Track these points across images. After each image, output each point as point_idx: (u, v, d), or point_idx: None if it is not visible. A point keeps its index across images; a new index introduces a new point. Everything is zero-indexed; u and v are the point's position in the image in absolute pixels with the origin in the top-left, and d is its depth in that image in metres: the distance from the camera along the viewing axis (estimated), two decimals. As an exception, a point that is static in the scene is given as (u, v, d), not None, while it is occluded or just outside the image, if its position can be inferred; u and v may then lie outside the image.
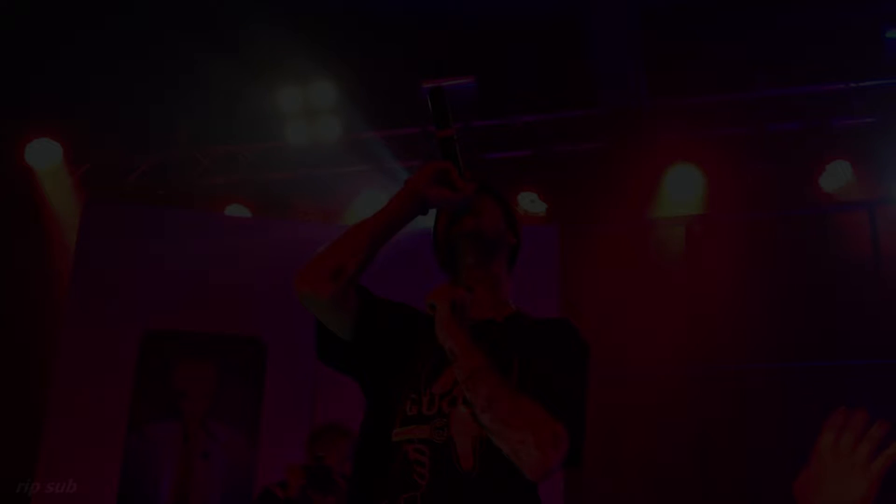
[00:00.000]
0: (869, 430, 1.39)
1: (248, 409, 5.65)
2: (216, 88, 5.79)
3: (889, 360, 5.35)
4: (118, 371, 5.57)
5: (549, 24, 5.62)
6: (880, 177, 5.69)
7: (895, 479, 1.52)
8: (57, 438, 5.44)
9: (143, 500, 5.41)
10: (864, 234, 5.69)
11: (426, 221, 2.04)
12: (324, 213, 6.49)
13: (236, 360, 5.76)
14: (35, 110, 6.23)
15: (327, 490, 3.61)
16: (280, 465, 3.92)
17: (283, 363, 5.69)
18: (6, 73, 5.79)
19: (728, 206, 5.97)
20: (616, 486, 5.60)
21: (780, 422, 5.43)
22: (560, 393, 1.71)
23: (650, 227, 6.12)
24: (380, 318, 1.90)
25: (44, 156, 6.37)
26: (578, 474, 5.24)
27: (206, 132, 6.39)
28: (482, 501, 1.69)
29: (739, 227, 6.04)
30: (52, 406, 5.54)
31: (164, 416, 5.61)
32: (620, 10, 5.06)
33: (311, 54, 5.62)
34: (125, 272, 5.75)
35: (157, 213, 6.18)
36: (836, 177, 5.72)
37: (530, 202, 6.18)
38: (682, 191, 5.98)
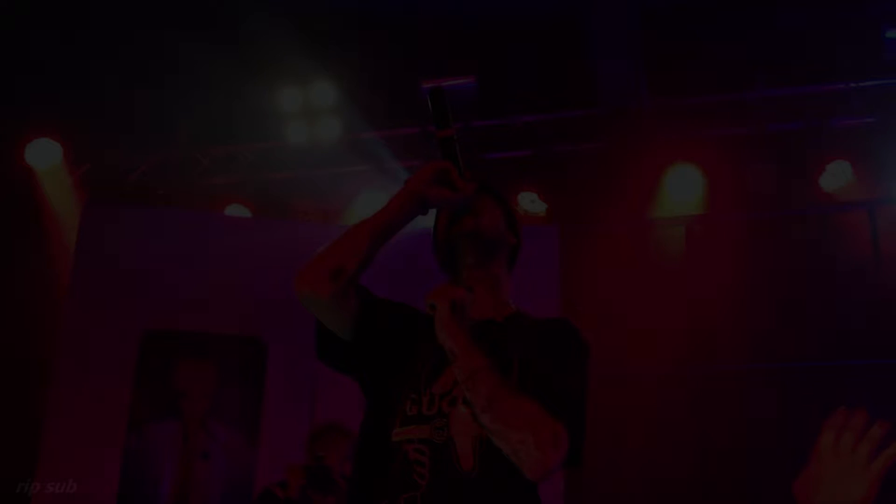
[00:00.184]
0: (869, 430, 1.40)
1: (248, 409, 5.65)
2: (216, 88, 5.79)
3: (889, 360, 5.35)
4: (118, 371, 5.57)
5: (549, 24, 5.62)
6: (880, 177, 5.69)
7: (895, 479, 1.52)
8: (57, 438, 5.44)
9: (143, 500, 5.41)
10: (864, 234, 5.69)
11: (426, 221, 2.04)
12: (324, 213, 6.49)
13: (236, 360, 5.77)
14: (35, 110, 6.23)
15: (327, 490, 3.61)
16: (280, 465, 3.92)
17: (283, 363, 5.69)
18: (6, 73, 5.79)
19: (728, 206, 5.97)
20: (616, 486, 5.60)
21: (780, 422, 5.43)
22: (560, 393, 1.71)
23: (650, 227, 6.12)
24: (380, 318, 1.90)
25: (44, 156, 6.37)
26: (578, 474, 5.24)
27: (206, 132, 6.39)
28: (482, 501, 1.69)
29: (739, 227, 6.04)
30: (52, 406, 5.54)
31: (164, 416, 5.61)
32: (620, 10, 5.06)
33: (311, 54, 5.62)
34: (125, 272, 5.75)
35: (157, 213, 6.19)
36: (836, 177, 5.72)
37: (530, 202, 6.18)
38: (682, 191, 5.98)
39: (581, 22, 5.24)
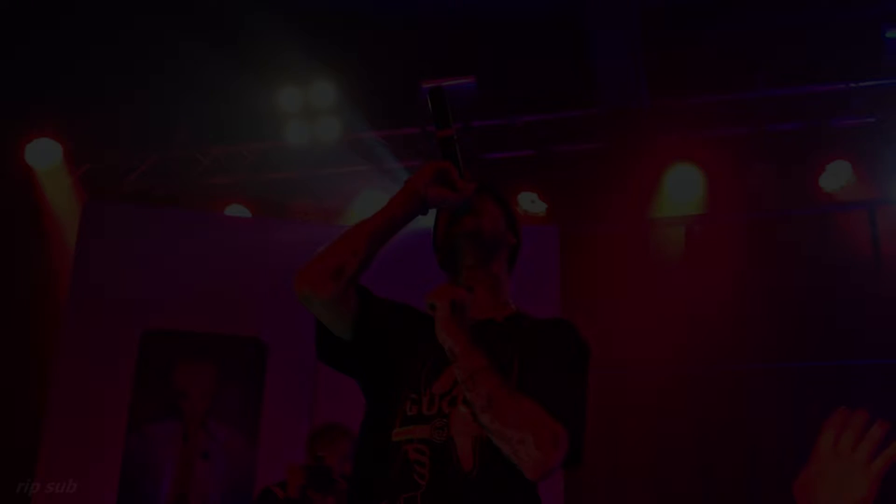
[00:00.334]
0: (869, 430, 1.40)
1: (248, 409, 5.65)
2: (216, 88, 5.79)
3: (889, 360, 5.35)
4: (118, 371, 5.57)
5: (549, 24, 5.62)
6: (880, 177, 5.69)
7: (895, 479, 1.52)
8: (57, 438, 5.44)
9: (143, 500, 5.41)
10: (864, 234, 5.69)
11: (426, 221, 2.04)
12: (324, 213, 6.49)
13: (236, 360, 5.76)
14: (35, 110, 6.22)
15: (327, 490, 3.61)
16: (280, 465, 3.92)
17: (283, 363, 5.69)
18: (6, 73, 5.79)
19: (728, 206, 5.96)
20: (616, 486, 5.60)
21: (780, 422, 5.43)
22: (560, 393, 1.71)
23: (650, 227, 6.12)
24: (380, 317, 1.90)
25: (44, 156, 6.36)
26: (578, 474, 5.24)
27: (206, 132, 6.39)
28: (482, 501, 1.69)
29: (739, 227, 6.04)
30: (52, 406, 5.54)
31: (164, 416, 5.61)
32: (620, 10, 5.06)
33: (311, 54, 5.62)
34: (125, 272, 5.75)
35: (157, 213, 6.18)
36: (836, 177, 5.72)
37: (530, 202, 6.17)
38: (682, 191, 5.98)
39: (581, 22, 5.24)
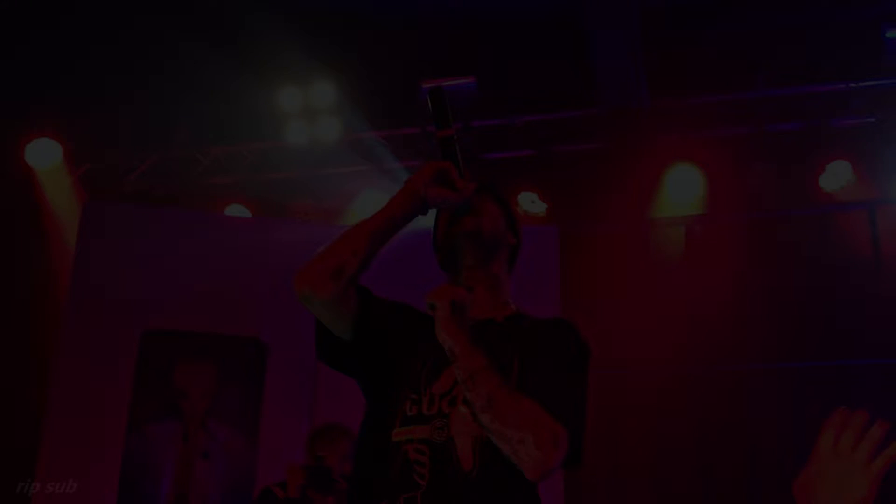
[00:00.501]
0: (869, 430, 1.40)
1: (248, 409, 5.65)
2: (216, 88, 5.78)
3: (889, 360, 5.35)
4: (118, 371, 5.57)
5: (549, 24, 5.62)
6: (880, 177, 5.69)
7: (895, 479, 1.52)
8: (57, 438, 5.44)
9: (143, 500, 5.41)
10: (864, 234, 5.69)
11: (426, 221, 2.05)
12: (324, 213, 6.49)
13: (236, 360, 5.76)
14: (35, 110, 6.22)
15: (327, 490, 3.61)
16: (280, 465, 3.92)
17: (283, 363, 5.69)
18: (6, 73, 5.79)
19: (728, 206, 5.96)
20: (616, 486, 5.60)
21: (780, 422, 5.43)
22: (560, 393, 1.71)
23: (650, 227, 6.12)
24: (380, 317, 1.90)
25: (44, 156, 6.36)
26: (578, 474, 5.24)
27: (206, 132, 6.38)
28: (482, 501, 1.69)
29: (739, 227, 6.03)
30: (52, 406, 5.54)
31: (164, 416, 5.61)
32: (620, 10, 5.06)
33: (311, 54, 5.61)
34: (125, 272, 5.75)
35: (158, 213, 6.18)
36: (836, 177, 5.72)
37: (530, 202, 6.17)
38: (682, 191, 5.98)
39: (581, 22, 5.24)
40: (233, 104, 6.06)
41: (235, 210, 6.52)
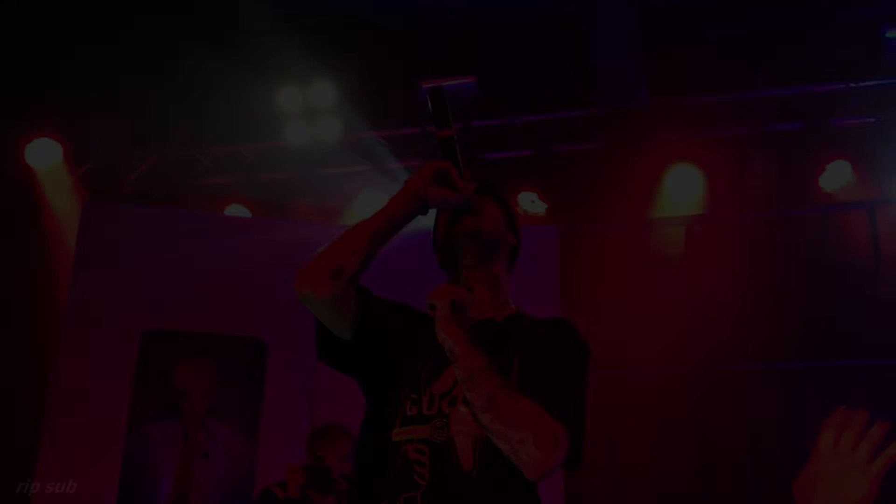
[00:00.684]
0: (869, 430, 1.40)
1: (248, 409, 5.65)
2: (216, 88, 5.79)
3: (889, 360, 5.35)
4: (118, 371, 5.57)
5: (549, 23, 5.62)
6: (880, 177, 5.69)
7: (895, 479, 1.52)
8: (57, 438, 5.44)
9: (143, 500, 5.41)
10: (864, 234, 5.69)
11: (426, 221, 2.05)
12: (324, 213, 6.49)
13: (236, 360, 5.76)
14: (35, 110, 6.22)
15: (327, 490, 3.61)
16: (280, 465, 3.92)
17: (283, 363, 5.69)
18: (6, 73, 5.79)
19: (728, 206, 5.97)
20: (616, 486, 5.60)
21: (780, 422, 5.43)
22: (560, 393, 1.71)
23: (650, 227, 6.12)
24: (380, 317, 1.90)
25: (44, 156, 6.36)
26: (578, 474, 5.24)
27: (206, 132, 6.39)
28: (482, 501, 1.69)
29: (739, 227, 6.04)
30: (52, 406, 5.54)
31: (164, 416, 5.61)
32: (620, 9, 5.06)
33: (311, 54, 5.62)
34: (125, 272, 5.75)
35: (157, 213, 6.18)
36: (836, 177, 5.72)
37: (530, 202, 6.17)
38: (682, 191, 5.98)
39: (581, 21, 5.24)
40: (233, 104, 6.06)
41: (235, 210, 6.52)
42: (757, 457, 5.41)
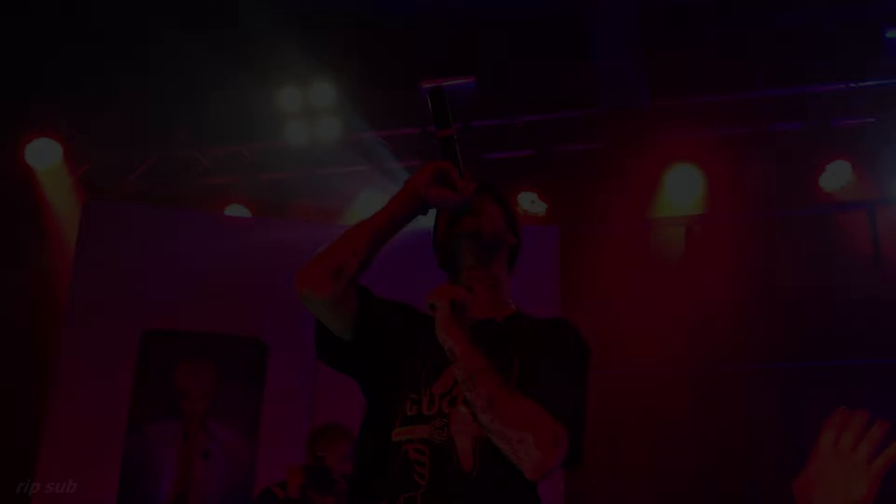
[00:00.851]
0: (869, 430, 1.40)
1: (248, 409, 5.65)
2: (216, 88, 5.79)
3: (889, 360, 5.35)
4: (118, 371, 5.57)
5: (549, 23, 5.62)
6: (880, 177, 5.69)
7: (895, 479, 1.52)
8: (57, 438, 5.44)
9: (143, 500, 5.41)
10: (864, 234, 5.69)
11: (426, 221, 2.05)
12: (324, 213, 6.49)
13: (236, 360, 5.76)
14: (35, 110, 6.22)
15: (327, 490, 3.61)
16: (280, 465, 3.92)
17: (283, 363, 5.69)
18: (6, 72, 5.79)
19: (728, 206, 5.96)
20: (616, 486, 5.60)
21: (780, 422, 5.43)
22: (560, 393, 1.71)
23: (650, 227, 6.12)
24: (380, 317, 1.90)
25: (44, 156, 6.36)
26: (578, 474, 5.24)
27: (206, 132, 6.39)
28: (482, 501, 1.69)
29: (739, 227, 6.04)
30: (52, 406, 5.54)
31: (164, 416, 5.61)
32: (620, 9, 5.06)
33: (311, 54, 5.62)
34: (125, 272, 5.75)
35: (157, 213, 6.18)
36: (836, 177, 5.72)
37: (530, 202, 6.17)
38: (682, 191, 5.98)
39: (581, 21, 5.24)
40: (233, 104, 6.06)
41: (235, 210, 6.52)
42: (757, 457, 5.41)
